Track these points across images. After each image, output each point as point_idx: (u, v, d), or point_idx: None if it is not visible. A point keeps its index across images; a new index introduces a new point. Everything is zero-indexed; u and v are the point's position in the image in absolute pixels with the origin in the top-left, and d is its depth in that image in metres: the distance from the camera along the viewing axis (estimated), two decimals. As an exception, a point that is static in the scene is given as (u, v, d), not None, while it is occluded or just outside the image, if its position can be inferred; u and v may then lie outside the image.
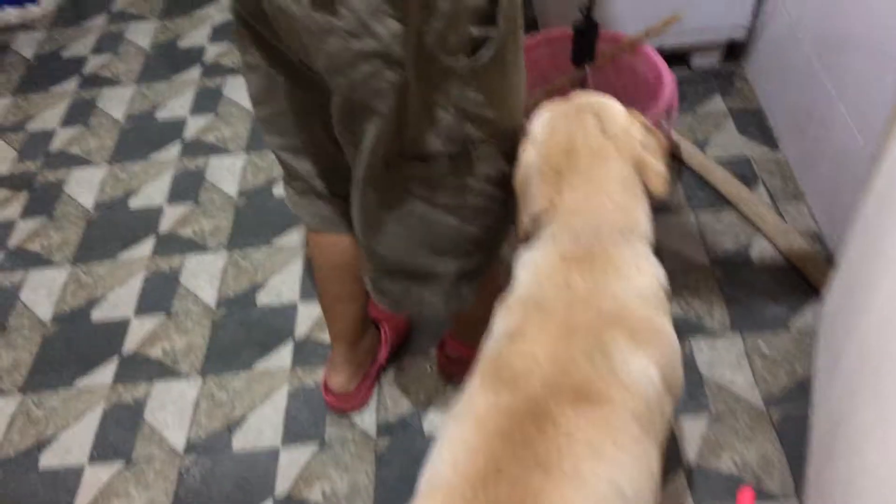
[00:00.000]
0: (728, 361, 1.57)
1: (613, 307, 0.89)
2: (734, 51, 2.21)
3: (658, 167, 0.97)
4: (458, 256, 1.14)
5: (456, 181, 1.03)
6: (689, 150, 1.95)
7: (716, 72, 2.20)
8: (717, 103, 2.12)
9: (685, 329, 1.62)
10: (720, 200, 1.86)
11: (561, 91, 1.64)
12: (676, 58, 2.19)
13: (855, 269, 1.30)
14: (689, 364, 1.57)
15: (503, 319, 0.93)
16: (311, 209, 1.27)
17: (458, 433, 0.83)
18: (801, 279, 1.68)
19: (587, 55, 1.62)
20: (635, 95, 1.74)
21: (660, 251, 1.73)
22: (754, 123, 2.05)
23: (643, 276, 0.93)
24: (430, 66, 0.88)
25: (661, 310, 0.93)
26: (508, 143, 1.04)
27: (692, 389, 1.53)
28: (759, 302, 1.66)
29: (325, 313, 1.46)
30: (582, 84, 1.67)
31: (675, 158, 1.96)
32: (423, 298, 1.19)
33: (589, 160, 0.95)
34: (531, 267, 0.94)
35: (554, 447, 0.79)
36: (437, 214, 1.06)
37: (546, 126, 1.01)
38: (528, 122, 1.04)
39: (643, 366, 0.86)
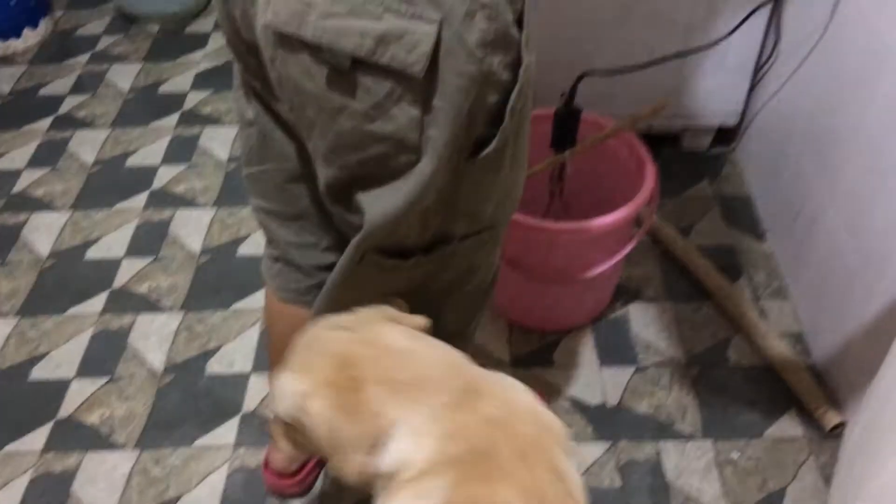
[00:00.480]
0: (696, 468, 1.48)
1: (532, 425, 0.81)
2: (725, 134, 2.15)
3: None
4: None
5: (420, 271, 0.97)
6: (671, 237, 1.87)
7: (704, 155, 2.14)
8: (703, 188, 2.06)
9: (654, 430, 1.53)
10: (700, 293, 1.79)
11: (540, 174, 1.57)
12: (665, 138, 2.14)
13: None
14: (655, 468, 1.47)
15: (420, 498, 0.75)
16: (282, 278, 1.22)
17: None
18: (778, 384, 1.60)
19: (567, 141, 1.56)
20: (616, 183, 1.68)
21: (633, 342, 1.67)
22: (741, 212, 1.98)
23: (517, 389, 0.86)
24: (436, 162, 0.83)
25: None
26: (492, 237, 1.00)
27: (657, 496, 1.44)
28: (733, 405, 1.57)
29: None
30: (561, 169, 1.60)
31: (657, 243, 1.89)
32: None
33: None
34: (408, 437, 0.78)
35: None
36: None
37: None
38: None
39: (575, 471, 0.82)
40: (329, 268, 1.04)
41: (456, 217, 0.93)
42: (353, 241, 0.92)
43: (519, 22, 0.82)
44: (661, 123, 2.05)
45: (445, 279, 1.02)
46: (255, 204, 1.15)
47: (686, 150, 2.15)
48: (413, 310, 0.95)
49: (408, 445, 0.77)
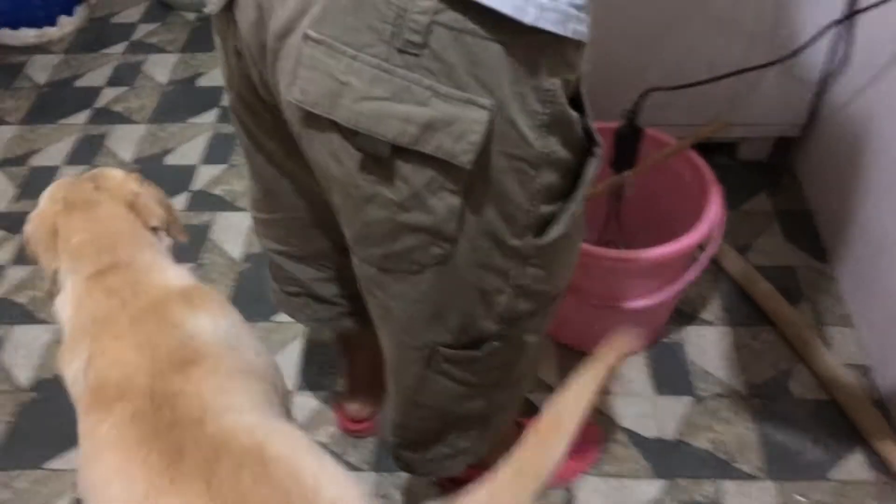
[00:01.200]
0: (759, 512, 1.42)
1: (159, 290, 0.98)
2: (785, 144, 2.06)
3: (151, 206, 1.07)
4: (487, 427, 1.06)
5: (500, 358, 0.92)
6: (730, 258, 1.80)
7: (763, 165, 2.05)
8: (762, 202, 1.97)
9: (714, 467, 1.47)
10: (760, 317, 1.71)
11: (598, 196, 1.50)
12: (721, 146, 2.05)
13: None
14: (716, 511, 1.42)
15: (72, 360, 0.94)
16: (309, 310, 1.19)
17: (101, 474, 0.81)
18: (844, 420, 1.53)
19: (628, 161, 1.49)
20: (676, 204, 1.61)
21: (689, 370, 1.61)
22: (802, 229, 1.89)
23: (168, 268, 1.02)
24: (489, 246, 0.78)
25: (196, 283, 1.02)
26: (554, 305, 0.95)
27: (718, 542, 1.38)
28: (796, 442, 1.50)
29: (340, 358, 1.48)
30: (620, 189, 1.53)
31: (714, 261, 1.81)
32: (443, 465, 1.10)
33: (84, 210, 1.04)
34: (69, 304, 0.99)
35: (192, 408, 0.84)
36: (469, 392, 0.96)
37: (46, 196, 1.09)
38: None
39: (210, 322, 0.94)
40: (356, 294, 0.97)
41: (523, 297, 0.86)
42: (411, 343, 0.89)
43: (575, 99, 0.77)
44: (718, 133, 1.96)
45: (515, 360, 0.97)
46: (267, 244, 1.13)
47: (743, 159, 2.06)
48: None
49: (61, 302, 0.99)
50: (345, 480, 0.82)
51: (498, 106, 0.68)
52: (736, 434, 1.52)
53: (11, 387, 1.63)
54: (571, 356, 1.66)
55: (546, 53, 0.69)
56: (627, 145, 1.49)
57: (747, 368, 1.62)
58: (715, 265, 1.81)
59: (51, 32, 2.62)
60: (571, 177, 0.80)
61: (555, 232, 0.80)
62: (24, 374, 1.65)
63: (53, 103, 2.36)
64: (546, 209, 0.79)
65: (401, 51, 0.65)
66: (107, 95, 2.38)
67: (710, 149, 2.02)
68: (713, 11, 1.73)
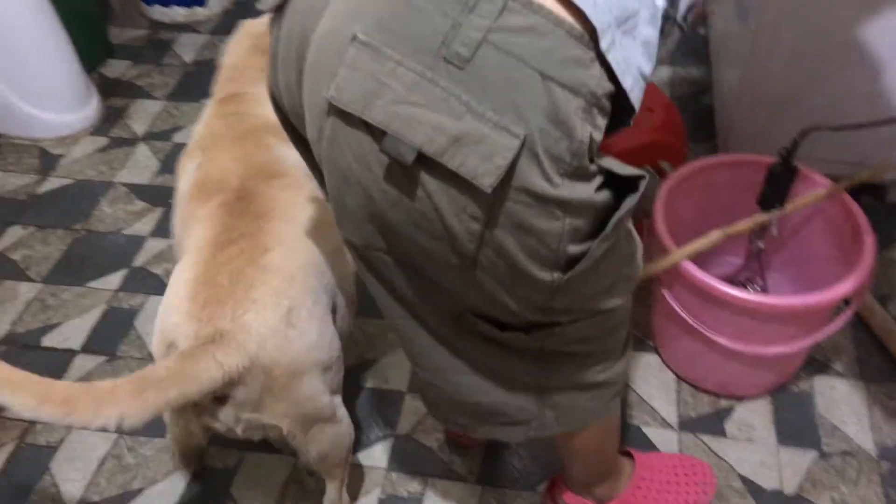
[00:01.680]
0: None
1: (259, 119, 1.30)
2: (938, 192, 1.95)
3: None
4: (542, 393, 1.02)
5: (532, 345, 0.93)
6: (870, 307, 1.71)
7: (912, 211, 1.95)
8: (908, 250, 1.87)
9: (835, 529, 1.41)
10: (897, 374, 1.63)
11: (741, 234, 1.45)
12: (868, 186, 1.95)
13: None
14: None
15: (190, 163, 1.29)
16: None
17: (193, 239, 1.16)
18: (984, 497, 1.44)
19: (778, 200, 1.43)
20: (823, 247, 1.54)
21: (817, 422, 1.54)
22: (950, 284, 1.79)
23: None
24: (514, 274, 0.79)
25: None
26: (609, 317, 0.94)
27: None
28: (928, 514, 1.42)
29: None
30: (763, 228, 1.48)
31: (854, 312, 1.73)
32: (496, 428, 1.08)
33: (239, 45, 1.52)
34: (201, 120, 1.38)
35: (264, 205, 1.17)
36: (512, 360, 0.96)
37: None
38: None
39: (294, 155, 1.05)
40: None
41: (555, 314, 0.88)
42: (441, 311, 0.92)
43: (592, 159, 0.74)
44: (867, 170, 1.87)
45: (558, 349, 0.96)
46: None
47: (891, 202, 1.96)
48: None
49: (195, 129, 1.40)
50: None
51: (529, 138, 0.68)
52: (861, 497, 1.44)
53: (144, 354, 1.71)
54: (693, 392, 1.61)
55: (579, 99, 0.69)
56: (779, 184, 1.43)
57: (879, 428, 1.54)
58: (854, 313, 1.72)
59: (199, 12, 2.72)
60: (602, 217, 0.78)
61: (581, 266, 0.79)
62: (155, 344, 1.73)
63: (197, 82, 2.45)
64: (574, 248, 0.78)
65: (447, 61, 0.67)
66: (249, 78, 2.45)
67: (855, 189, 1.94)
68: (877, 51, 1.64)
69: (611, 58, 0.68)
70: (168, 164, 2.16)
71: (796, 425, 1.55)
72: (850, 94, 1.72)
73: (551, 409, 1.05)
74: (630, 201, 0.77)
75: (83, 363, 1.69)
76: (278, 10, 0.83)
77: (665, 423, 1.56)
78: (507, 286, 0.81)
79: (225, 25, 2.69)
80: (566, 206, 0.74)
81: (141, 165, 2.16)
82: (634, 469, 1.35)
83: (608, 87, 0.70)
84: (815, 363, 1.65)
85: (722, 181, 1.61)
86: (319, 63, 0.75)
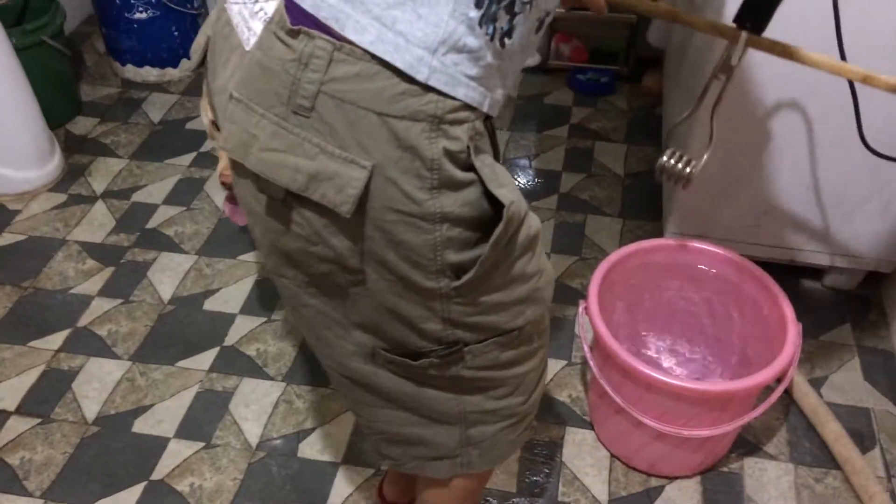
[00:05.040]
0: None
1: None
2: (876, 278, 1.99)
3: None
4: (462, 424, 1.05)
5: (447, 373, 0.97)
6: (802, 390, 1.74)
7: (850, 296, 1.99)
8: (844, 334, 1.90)
9: None
10: (827, 459, 1.64)
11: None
12: (808, 270, 2.00)
13: None
14: None
15: None
16: None
17: None
18: (905, 588, 1.44)
19: (756, 20, 1.17)
20: (754, 333, 1.57)
21: (745, 510, 1.55)
22: (884, 370, 1.82)
23: None
24: (404, 284, 0.85)
25: None
26: (516, 340, 0.97)
27: None
28: None
29: None
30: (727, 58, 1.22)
31: (785, 392, 1.75)
32: (425, 463, 1.11)
33: None
34: None
35: None
36: (424, 391, 1.00)
37: None
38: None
39: None
40: None
41: (457, 327, 0.91)
42: (352, 350, 0.96)
43: (467, 166, 0.79)
44: (805, 257, 1.91)
45: (464, 375, 0.98)
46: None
47: (829, 286, 2.00)
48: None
49: None
50: None
51: (378, 167, 0.76)
52: (784, 583, 1.45)
53: (78, 418, 1.70)
54: (625, 471, 1.62)
55: (421, 124, 0.75)
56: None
57: (806, 513, 1.56)
58: (786, 394, 1.75)
59: (171, 73, 2.77)
60: (483, 225, 0.83)
61: (471, 275, 0.83)
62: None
63: (163, 142, 2.49)
64: (456, 256, 0.83)
65: (295, 112, 0.77)
66: (212, 141, 2.49)
67: (796, 271, 1.99)
68: (814, 142, 1.70)
69: (434, 83, 0.74)
70: (124, 223, 2.19)
71: (724, 508, 1.56)
72: (790, 182, 1.77)
73: (474, 446, 1.08)
74: (496, 233, 0.80)
75: (15, 425, 1.69)
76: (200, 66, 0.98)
77: (595, 501, 1.57)
78: (402, 296, 0.87)
79: (196, 85, 2.75)
80: (432, 218, 0.80)
81: (96, 224, 2.18)
82: None
83: (451, 104, 0.76)
84: (747, 444, 1.67)
85: (658, 264, 1.65)
86: (219, 117, 0.88)
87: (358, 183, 0.76)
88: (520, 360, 1.01)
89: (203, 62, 0.97)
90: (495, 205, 0.81)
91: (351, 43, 0.73)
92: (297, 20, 0.75)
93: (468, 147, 0.78)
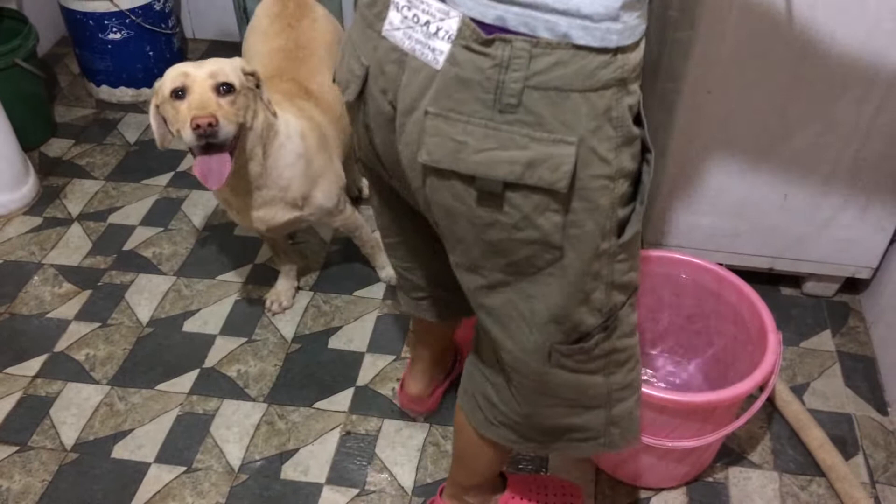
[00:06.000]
0: None
1: None
2: (854, 284, 2.01)
3: None
4: (607, 405, 1.15)
5: (605, 347, 1.07)
6: (784, 397, 1.74)
7: (829, 302, 2.00)
8: (825, 340, 1.91)
9: None
10: (811, 466, 1.65)
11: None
12: (787, 278, 2.01)
13: None
14: None
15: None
16: (425, 311, 1.44)
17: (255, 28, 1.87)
18: None
19: None
20: (735, 343, 1.58)
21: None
22: (864, 376, 1.83)
23: None
24: (588, 251, 0.96)
25: None
26: (636, 296, 1.09)
27: None
28: None
29: (415, 336, 1.68)
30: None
31: (768, 400, 1.76)
32: (569, 444, 1.20)
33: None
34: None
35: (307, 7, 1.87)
36: (583, 378, 1.09)
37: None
38: None
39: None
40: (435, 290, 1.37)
41: (614, 289, 1.02)
42: (533, 347, 1.04)
43: (637, 118, 0.92)
44: (785, 266, 1.93)
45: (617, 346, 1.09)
46: (392, 259, 1.37)
47: (808, 293, 2.02)
48: None
49: None
50: None
51: (581, 139, 0.86)
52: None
53: (56, 445, 1.67)
54: (611, 483, 1.62)
55: (612, 89, 0.86)
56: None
57: (792, 521, 1.56)
58: (769, 403, 1.76)
59: (147, 93, 2.76)
60: (635, 182, 0.96)
61: (630, 230, 0.97)
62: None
63: (139, 163, 2.47)
64: (623, 213, 0.96)
65: (501, 111, 0.86)
66: (190, 160, 2.47)
67: (775, 279, 2.00)
68: (789, 152, 1.72)
69: (620, 44, 0.84)
70: (100, 245, 2.16)
71: (710, 518, 1.56)
72: (767, 191, 1.78)
73: (615, 424, 1.18)
74: (649, 167, 0.96)
75: (-8, 453, 1.66)
76: (359, 97, 1.03)
77: (581, 516, 1.56)
78: (586, 267, 0.97)
79: (171, 106, 2.73)
80: (616, 175, 0.91)
81: (73, 246, 2.16)
82: (506, 488, 1.49)
83: (633, 61, 0.87)
84: (731, 453, 1.67)
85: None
86: (405, 134, 0.95)
87: (570, 159, 0.86)
88: (633, 331, 1.11)
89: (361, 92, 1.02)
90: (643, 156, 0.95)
91: (545, 38, 0.82)
92: (488, 32, 0.84)
93: (639, 101, 0.91)
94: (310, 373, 1.84)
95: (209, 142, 1.40)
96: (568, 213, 0.92)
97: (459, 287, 1.10)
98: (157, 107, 1.51)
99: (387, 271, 2.03)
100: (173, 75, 1.45)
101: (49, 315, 1.97)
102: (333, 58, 1.82)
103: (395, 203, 1.21)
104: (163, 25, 2.69)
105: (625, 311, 1.06)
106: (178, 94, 1.43)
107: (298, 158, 1.62)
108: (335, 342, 1.91)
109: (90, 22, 2.56)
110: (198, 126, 1.37)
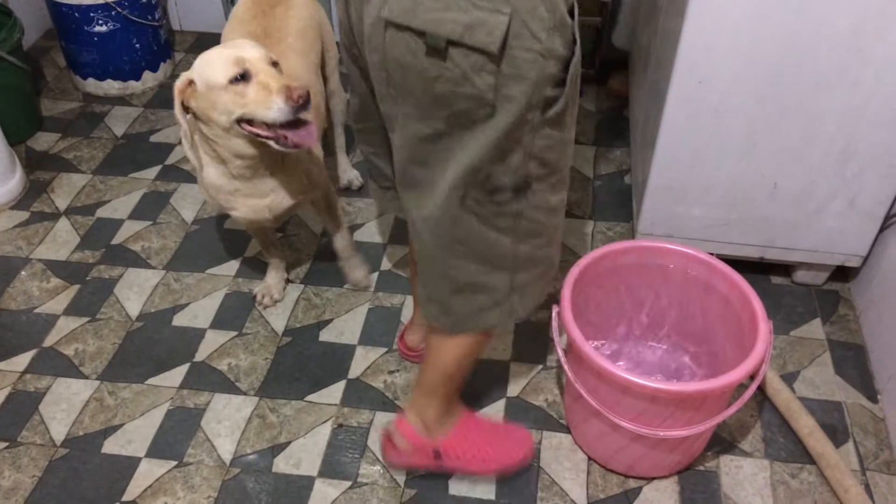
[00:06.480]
0: None
1: None
2: (844, 272, 2.02)
3: None
4: (512, 270, 1.30)
5: (514, 208, 1.22)
6: (775, 385, 1.75)
7: (819, 290, 2.01)
8: (815, 328, 1.92)
9: None
10: (802, 454, 1.65)
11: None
12: (778, 267, 2.02)
13: None
14: None
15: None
16: (389, 202, 1.50)
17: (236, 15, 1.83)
18: (882, 580, 1.46)
19: None
20: (725, 332, 1.58)
21: (722, 502, 1.55)
22: (854, 363, 1.84)
23: None
24: (511, 116, 1.10)
25: None
26: (560, 183, 1.25)
27: None
28: None
29: (414, 280, 1.69)
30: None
31: (759, 389, 1.76)
32: (481, 310, 1.34)
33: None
34: None
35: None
36: (491, 233, 1.24)
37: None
38: None
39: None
40: None
41: (531, 159, 1.17)
42: (453, 185, 1.17)
43: (571, 12, 1.08)
44: (775, 255, 1.93)
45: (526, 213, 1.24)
46: (363, 148, 1.45)
47: (799, 282, 2.02)
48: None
49: None
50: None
51: (515, 12, 1.01)
52: (764, 580, 1.46)
53: (46, 440, 1.66)
54: (603, 473, 1.62)
55: None
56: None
57: (783, 509, 1.57)
58: (760, 391, 1.76)
59: (134, 86, 2.74)
60: (564, 69, 1.10)
61: (554, 110, 1.12)
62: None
63: (127, 156, 2.45)
64: (551, 93, 1.10)
65: None
66: (178, 153, 2.46)
67: (765, 268, 2.00)
68: (776, 144, 1.72)
69: None
70: (88, 240, 2.15)
71: (702, 507, 1.57)
72: (757, 181, 1.78)
73: (517, 291, 1.33)
74: (575, 58, 1.11)
75: (-19, 449, 1.65)
76: None
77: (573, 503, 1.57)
78: (509, 127, 1.11)
79: (158, 99, 2.71)
80: (547, 54, 1.06)
81: (60, 241, 2.14)
82: (462, 419, 1.59)
83: None
84: (723, 442, 1.68)
85: (630, 265, 1.65)
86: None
87: (503, 26, 1.01)
88: (557, 210, 1.28)
89: None
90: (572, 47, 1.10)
91: None
92: None
93: None
94: (301, 366, 1.83)
95: (298, 115, 1.44)
96: (500, 76, 1.06)
97: None
98: (184, 102, 1.48)
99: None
100: (225, 63, 1.43)
101: (37, 310, 1.95)
102: (305, 45, 1.80)
103: (368, 85, 1.28)
104: (149, 17, 2.67)
105: (540, 186, 1.22)
106: (240, 78, 1.42)
107: None
108: (326, 335, 1.90)
109: (76, 14, 2.54)
110: (298, 97, 1.41)
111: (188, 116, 1.50)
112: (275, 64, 1.48)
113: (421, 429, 1.53)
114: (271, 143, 1.47)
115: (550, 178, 1.22)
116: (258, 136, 1.47)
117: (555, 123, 1.15)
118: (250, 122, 1.46)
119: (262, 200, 1.65)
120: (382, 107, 1.21)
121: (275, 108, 1.41)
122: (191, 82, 1.46)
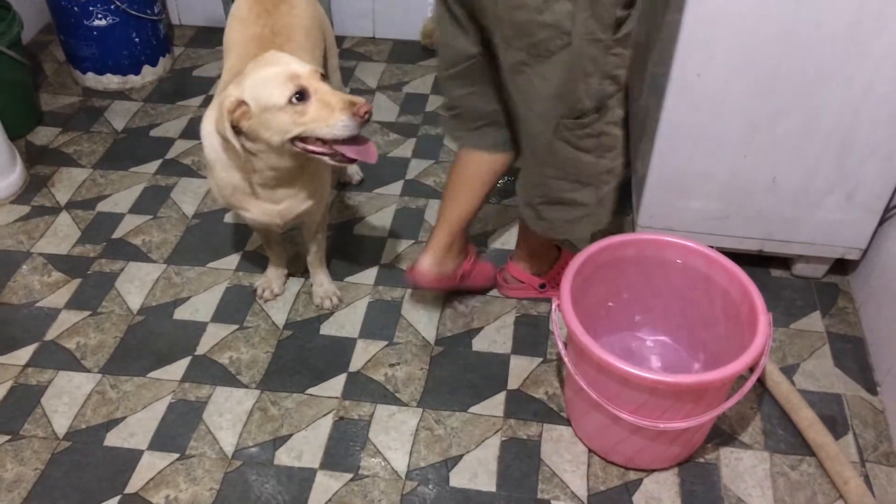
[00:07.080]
0: None
1: None
2: (843, 265, 2.02)
3: None
4: (597, 185, 1.52)
5: (597, 128, 1.40)
6: (774, 377, 1.75)
7: (818, 283, 2.01)
8: (814, 321, 1.93)
9: None
10: (802, 445, 1.66)
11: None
12: (777, 259, 2.02)
13: None
14: None
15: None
16: (475, 137, 1.66)
17: (235, 14, 1.79)
18: (881, 570, 1.46)
19: None
20: (726, 325, 1.59)
21: (722, 494, 1.56)
22: (853, 356, 1.84)
23: None
24: (589, 38, 1.24)
25: None
26: (622, 97, 1.42)
27: None
28: (827, 588, 1.45)
29: (444, 202, 1.78)
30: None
31: (758, 381, 1.77)
32: (572, 222, 1.59)
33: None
34: None
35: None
36: (580, 155, 1.44)
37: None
38: None
39: None
40: (494, 114, 1.60)
41: (606, 78, 1.34)
42: (545, 117, 1.39)
43: None
44: (774, 248, 1.94)
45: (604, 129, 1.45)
46: (450, 92, 1.62)
47: (798, 275, 2.03)
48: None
49: None
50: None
51: None
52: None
53: (49, 433, 1.67)
54: (603, 465, 1.63)
55: None
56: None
57: (782, 500, 1.57)
58: (760, 383, 1.77)
59: (133, 80, 2.74)
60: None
61: (625, 28, 1.29)
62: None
63: (127, 150, 2.46)
64: (621, 14, 1.26)
65: None
66: (179, 147, 2.46)
67: (765, 261, 2.01)
68: (775, 137, 1.72)
69: None
70: (89, 234, 2.15)
71: (702, 498, 1.57)
72: (756, 174, 1.79)
73: (601, 203, 1.56)
74: None
75: (-17, 442, 1.65)
76: None
77: (575, 497, 1.57)
78: (587, 51, 1.27)
79: (158, 93, 2.71)
80: None
81: (61, 235, 2.15)
82: (560, 260, 1.91)
83: None
84: (722, 434, 1.68)
85: (629, 258, 1.66)
86: None
87: None
88: (621, 122, 1.46)
89: None
90: None
91: None
92: None
93: None
94: (302, 359, 1.84)
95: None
96: (576, 4, 1.21)
97: (510, 122, 1.54)
98: (234, 125, 1.44)
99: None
100: (282, 82, 1.40)
101: (39, 304, 1.96)
102: (313, 43, 1.79)
103: (464, 25, 1.44)
104: (148, 11, 2.67)
105: (612, 102, 1.38)
106: (299, 96, 1.40)
107: None
108: (327, 328, 1.91)
109: (75, 8, 2.54)
110: (365, 113, 1.40)
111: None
112: (323, 77, 1.45)
113: (527, 268, 1.89)
114: (325, 158, 1.45)
115: (619, 93, 1.39)
116: (312, 152, 1.45)
117: (624, 42, 1.30)
118: (304, 138, 1.44)
119: (276, 206, 1.65)
120: (493, 39, 1.38)
121: (339, 125, 1.39)
122: (241, 103, 1.42)
